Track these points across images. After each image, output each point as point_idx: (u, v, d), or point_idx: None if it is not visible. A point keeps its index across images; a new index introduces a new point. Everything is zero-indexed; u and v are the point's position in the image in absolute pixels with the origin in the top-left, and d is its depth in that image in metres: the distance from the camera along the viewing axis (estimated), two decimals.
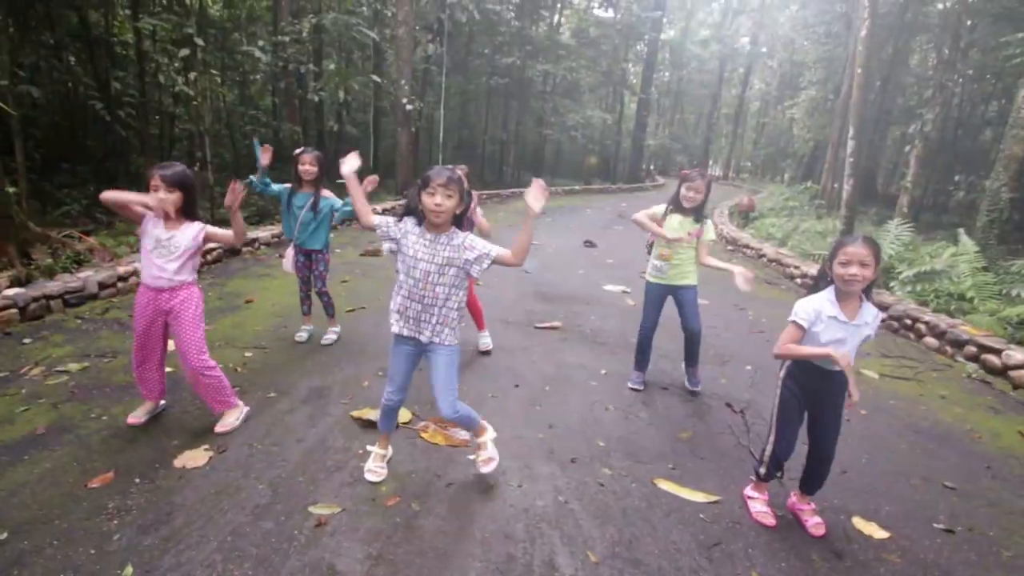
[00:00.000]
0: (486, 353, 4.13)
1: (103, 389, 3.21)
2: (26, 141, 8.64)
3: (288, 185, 3.95)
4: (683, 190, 3.42)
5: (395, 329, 2.34)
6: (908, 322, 5.52)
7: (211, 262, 6.21)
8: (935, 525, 2.54)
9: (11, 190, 5.57)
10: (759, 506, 2.50)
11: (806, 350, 2.21)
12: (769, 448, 2.43)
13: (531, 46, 19.29)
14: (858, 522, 2.51)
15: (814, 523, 2.42)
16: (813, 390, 2.32)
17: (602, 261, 7.90)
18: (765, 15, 32.17)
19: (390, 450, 2.63)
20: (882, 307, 5.89)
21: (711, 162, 43.17)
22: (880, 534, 2.43)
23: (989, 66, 14.10)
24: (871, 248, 2.08)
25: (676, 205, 3.49)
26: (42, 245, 5.86)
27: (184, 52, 10.02)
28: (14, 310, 4.05)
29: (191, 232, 2.69)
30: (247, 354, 3.83)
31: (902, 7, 15.82)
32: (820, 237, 9.38)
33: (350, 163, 2.38)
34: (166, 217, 2.66)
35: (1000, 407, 3.98)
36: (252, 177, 3.82)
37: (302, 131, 13.39)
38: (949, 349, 4.99)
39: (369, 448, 2.59)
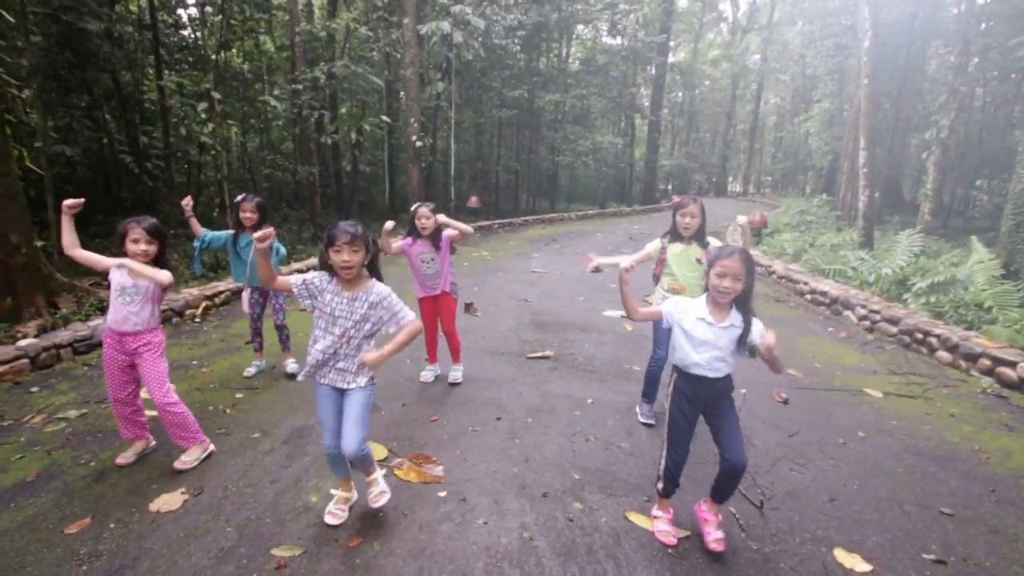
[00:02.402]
0: (455, 385, 4.17)
1: (96, 435, 3.33)
2: (60, 196, 9.25)
3: (230, 232, 4.18)
4: (678, 219, 3.40)
5: (318, 379, 2.42)
6: (919, 336, 5.30)
7: (219, 305, 6.43)
8: (925, 556, 2.39)
9: (39, 243, 5.95)
10: (662, 525, 2.48)
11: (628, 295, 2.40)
12: (663, 463, 2.47)
13: (538, 77, 19.72)
14: (839, 554, 2.39)
15: (715, 538, 2.37)
16: (699, 399, 2.37)
17: (606, 286, 7.86)
18: (774, 31, 32.19)
19: (354, 494, 2.64)
20: (892, 321, 5.69)
21: (730, 179, 42.83)
22: (862, 567, 2.31)
23: (1009, 67, 13.76)
24: (746, 263, 2.20)
25: (675, 235, 3.46)
26: (68, 294, 6.20)
27: (203, 105, 10.63)
28: (25, 360, 4.26)
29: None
30: (238, 395, 3.93)
31: (911, 15, 15.64)
32: (834, 251, 9.15)
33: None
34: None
35: (1015, 424, 3.76)
36: (195, 242, 4.04)
37: (318, 172, 13.91)
38: (963, 363, 4.76)
39: (333, 492, 2.61)
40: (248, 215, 4.03)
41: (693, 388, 2.36)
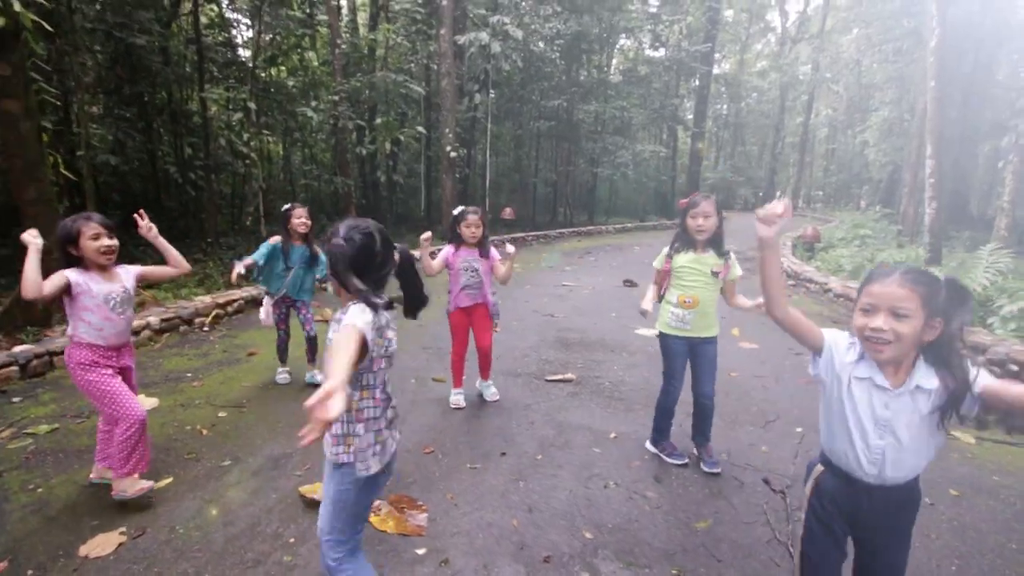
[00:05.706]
0: (493, 401, 3.87)
1: (58, 455, 3.01)
2: (104, 204, 9.42)
3: (276, 240, 3.84)
4: (689, 221, 2.82)
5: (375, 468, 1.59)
6: (1013, 368, 4.47)
7: (231, 313, 6.19)
8: None
9: None
10: None
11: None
12: None
13: (578, 88, 19.32)
14: None
15: None
16: (853, 511, 1.49)
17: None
18: (826, 40, 30.78)
19: None
20: (978, 348, 4.87)
21: (778, 193, 41.05)
22: None
23: None
24: (913, 287, 1.29)
25: (683, 242, 2.90)
26: None
27: (237, 116, 10.72)
28: (15, 367, 4.05)
29: (130, 275, 2.61)
30: (220, 414, 3.56)
31: (980, 12, 14.44)
32: None
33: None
34: (100, 271, 2.50)
35: None
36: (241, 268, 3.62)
37: (354, 183, 13.90)
38: None
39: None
40: (303, 220, 3.85)
41: (845, 492, 1.48)
